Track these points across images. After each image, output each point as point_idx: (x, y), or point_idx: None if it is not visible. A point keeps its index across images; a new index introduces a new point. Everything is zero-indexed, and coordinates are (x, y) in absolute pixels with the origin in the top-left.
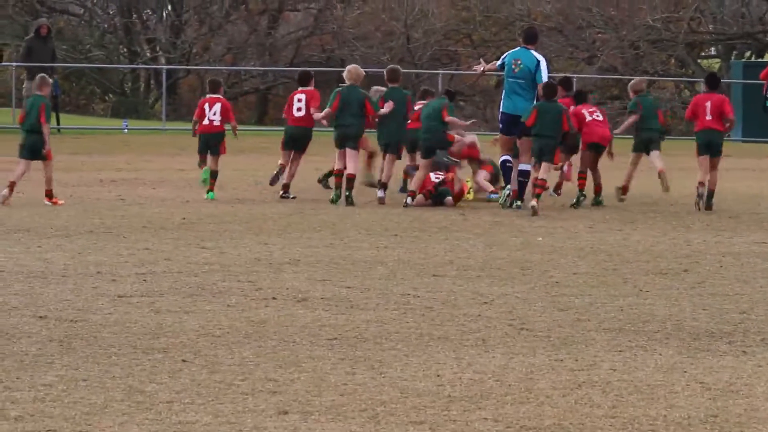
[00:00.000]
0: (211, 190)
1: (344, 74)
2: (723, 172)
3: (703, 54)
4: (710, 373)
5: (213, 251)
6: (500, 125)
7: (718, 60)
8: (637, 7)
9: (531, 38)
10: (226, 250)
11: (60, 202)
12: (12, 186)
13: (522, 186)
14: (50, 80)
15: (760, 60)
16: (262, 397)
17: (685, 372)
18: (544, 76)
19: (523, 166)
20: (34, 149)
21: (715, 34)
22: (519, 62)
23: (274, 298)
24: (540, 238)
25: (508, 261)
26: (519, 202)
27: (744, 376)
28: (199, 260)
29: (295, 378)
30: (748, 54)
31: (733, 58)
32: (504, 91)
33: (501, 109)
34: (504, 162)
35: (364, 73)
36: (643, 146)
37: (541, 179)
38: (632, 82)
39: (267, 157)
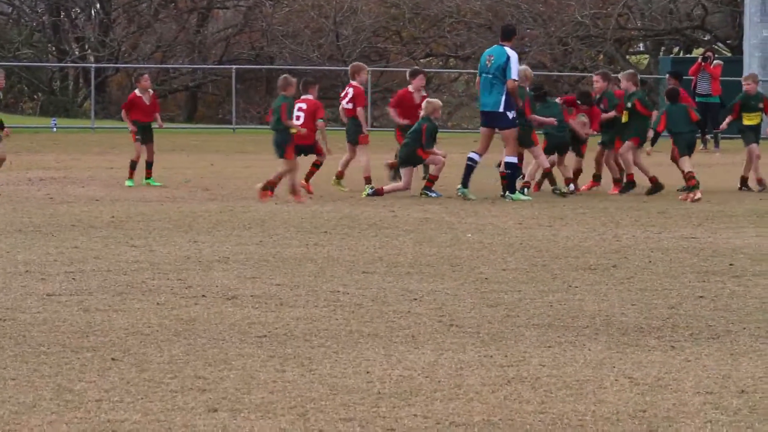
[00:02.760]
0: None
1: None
2: (654, 167)
3: (632, 50)
4: (639, 368)
5: (142, 249)
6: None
7: (646, 56)
8: (566, 3)
9: (505, 34)
10: (156, 248)
11: None
12: None
13: (511, 179)
14: None
15: (688, 56)
16: (191, 395)
17: (614, 367)
18: (514, 72)
19: (508, 159)
20: None
21: (643, 30)
22: (492, 58)
23: (203, 296)
24: (469, 235)
25: (438, 257)
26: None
27: (672, 370)
28: (129, 258)
29: (224, 376)
30: (676, 50)
31: (661, 54)
32: (480, 86)
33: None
34: (469, 158)
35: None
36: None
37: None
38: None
39: (197, 154)
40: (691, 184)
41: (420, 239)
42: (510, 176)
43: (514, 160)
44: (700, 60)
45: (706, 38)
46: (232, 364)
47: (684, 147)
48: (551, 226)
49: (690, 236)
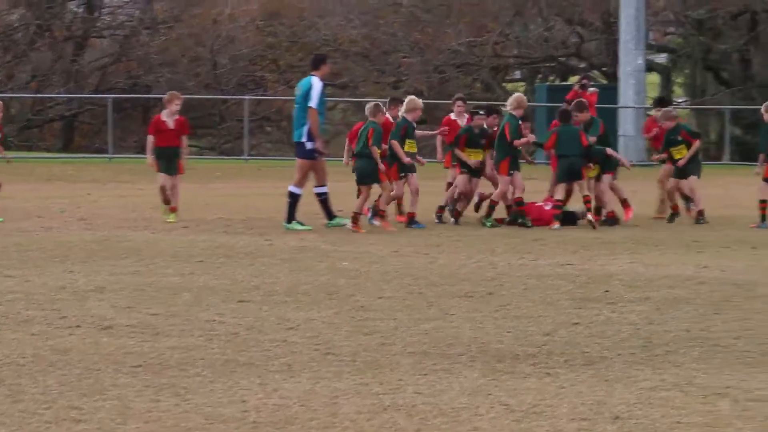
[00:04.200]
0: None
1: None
2: (531, 194)
3: (508, 77)
4: (514, 395)
5: (17, 279)
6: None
7: (522, 83)
8: (442, 31)
9: (314, 64)
10: (31, 279)
11: None
12: None
13: (291, 208)
14: None
15: (564, 83)
16: (65, 425)
17: (490, 394)
18: (314, 101)
19: (291, 188)
20: None
21: (519, 58)
22: (299, 88)
23: (78, 326)
24: (345, 263)
25: (314, 286)
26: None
27: (547, 397)
28: (3, 289)
29: (99, 406)
30: (552, 77)
31: (537, 81)
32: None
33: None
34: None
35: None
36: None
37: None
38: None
39: (73, 184)
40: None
41: (296, 268)
42: (291, 205)
43: (298, 191)
44: (576, 87)
45: (581, 66)
46: (107, 395)
47: (564, 172)
48: (427, 254)
49: (565, 263)
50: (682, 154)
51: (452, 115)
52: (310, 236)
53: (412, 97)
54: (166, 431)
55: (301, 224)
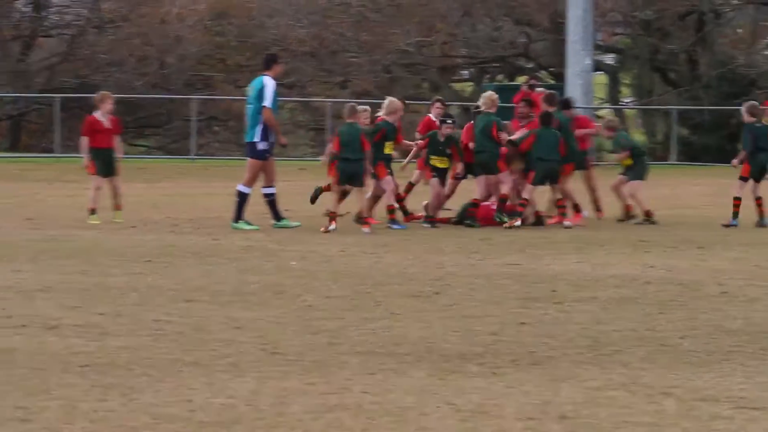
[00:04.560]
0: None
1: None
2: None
3: (456, 77)
4: (461, 394)
5: None
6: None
7: (470, 83)
8: (390, 31)
9: (265, 63)
10: None
11: None
12: None
13: (239, 207)
14: None
15: (512, 83)
16: (11, 425)
17: (436, 394)
18: (268, 100)
19: (240, 187)
20: None
21: (467, 58)
22: (251, 88)
23: (24, 326)
24: (293, 262)
25: (261, 285)
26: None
27: (494, 397)
28: None
29: (45, 406)
30: (500, 77)
31: (485, 81)
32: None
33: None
34: (266, 194)
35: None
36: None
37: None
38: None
39: (20, 183)
40: (519, 210)
41: (243, 267)
42: (239, 204)
43: (247, 190)
44: (524, 88)
45: (529, 66)
46: (54, 394)
47: (540, 175)
48: (375, 254)
49: (513, 263)
50: (626, 164)
51: (431, 116)
52: (258, 236)
53: (392, 98)
54: (113, 431)
55: (249, 224)
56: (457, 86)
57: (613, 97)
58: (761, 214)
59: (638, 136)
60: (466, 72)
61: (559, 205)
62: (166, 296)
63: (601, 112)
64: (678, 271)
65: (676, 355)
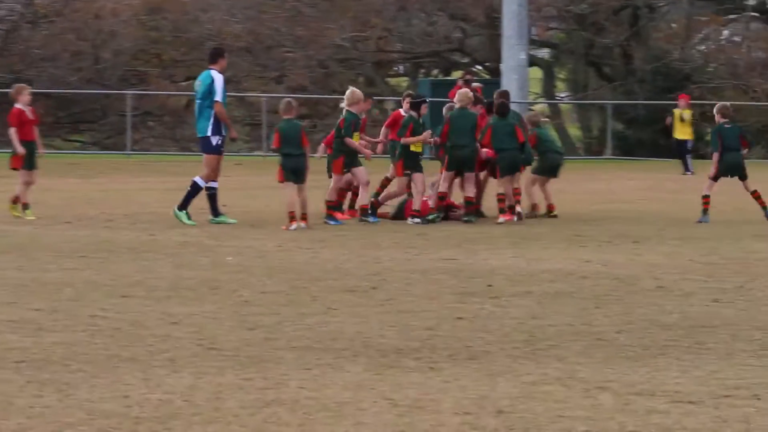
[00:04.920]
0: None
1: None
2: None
3: (391, 72)
4: (398, 389)
5: None
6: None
7: (406, 78)
8: (325, 26)
9: (211, 57)
10: None
11: None
12: None
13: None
14: None
15: (447, 78)
16: None
17: (373, 389)
18: (218, 94)
19: (205, 183)
20: None
21: (402, 53)
22: (199, 83)
23: None
24: (229, 258)
25: (197, 281)
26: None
27: (431, 392)
28: None
29: None
30: (435, 72)
31: (420, 76)
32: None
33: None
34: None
35: None
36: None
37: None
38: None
39: None
40: (500, 206)
41: (179, 263)
42: (189, 194)
43: (202, 183)
44: (459, 83)
45: (465, 61)
46: None
47: (506, 167)
48: (311, 249)
49: (449, 258)
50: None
51: (401, 111)
52: (194, 231)
53: (353, 89)
54: (48, 427)
55: (188, 218)
56: (393, 81)
57: (549, 92)
58: (763, 205)
59: (573, 131)
60: (401, 67)
61: (499, 199)
62: (102, 292)
63: (536, 107)
64: (613, 265)
65: (612, 350)
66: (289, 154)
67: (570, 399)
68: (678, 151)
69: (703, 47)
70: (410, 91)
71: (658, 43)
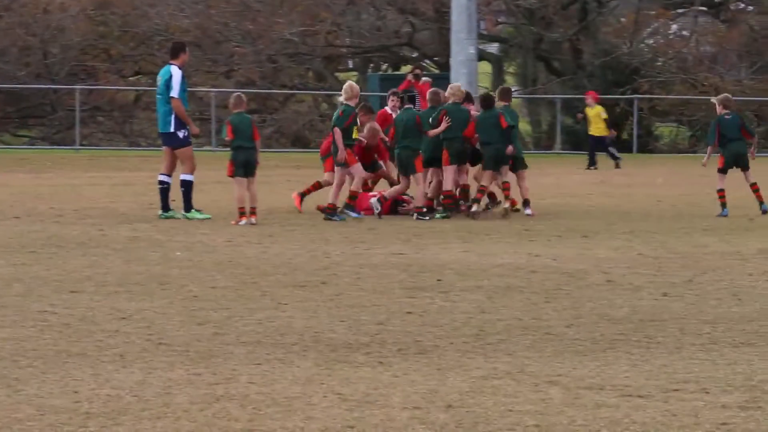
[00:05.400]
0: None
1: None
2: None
3: (341, 67)
4: (348, 384)
5: None
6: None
7: (355, 73)
8: (274, 21)
9: (171, 52)
10: None
11: None
12: None
13: (186, 196)
14: None
15: (396, 73)
16: None
17: (323, 383)
18: (175, 89)
19: (183, 176)
20: None
21: (351, 48)
22: (159, 78)
23: None
24: (178, 253)
25: (147, 276)
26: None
27: (381, 386)
28: None
29: None
30: (384, 67)
31: (370, 71)
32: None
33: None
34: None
35: None
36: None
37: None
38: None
39: None
40: (478, 197)
41: (129, 258)
42: (185, 194)
43: (190, 177)
44: (409, 77)
45: (414, 55)
46: None
47: (490, 160)
48: (261, 244)
49: (398, 252)
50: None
51: (387, 109)
52: (143, 226)
53: (351, 83)
54: None
55: (200, 212)
56: (342, 76)
57: (498, 87)
58: (760, 199)
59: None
60: (350, 62)
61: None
62: (51, 287)
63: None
64: (563, 259)
65: (562, 344)
66: (240, 146)
67: (519, 393)
68: (592, 147)
69: (652, 41)
70: (394, 89)
71: (607, 38)
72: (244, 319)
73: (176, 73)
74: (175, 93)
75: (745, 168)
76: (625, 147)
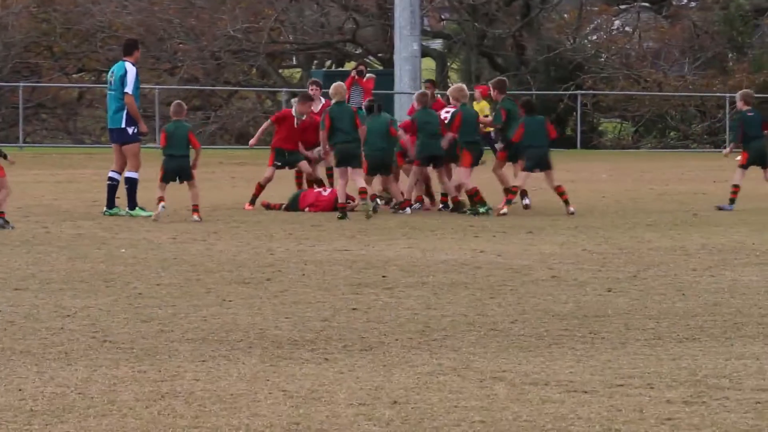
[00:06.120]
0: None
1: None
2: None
3: (285, 64)
4: (293, 380)
5: None
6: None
7: (299, 69)
8: (218, 17)
9: (126, 49)
10: None
11: None
12: None
13: (131, 193)
14: None
15: (340, 69)
16: None
17: (268, 380)
18: (129, 86)
19: (129, 174)
20: None
21: (295, 44)
22: (112, 74)
23: None
24: (123, 250)
25: (91, 273)
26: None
27: (326, 383)
28: None
29: None
30: (328, 63)
31: (314, 67)
32: (107, 103)
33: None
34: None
35: None
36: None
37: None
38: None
39: None
40: (510, 198)
41: (73, 255)
42: (130, 191)
43: (135, 175)
44: (353, 74)
45: (357, 51)
46: None
47: (534, 162)
48: (205, 241)
49: (343, 249)
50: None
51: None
52: (87, 223)
53: (339, 83)
54: None
55: (143, 210)
56: (286, 73)
57: (442, 83)
58: None
59: None
60: (294, 58)
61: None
62: None
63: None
64: (508, 255)
65: (507, 340)
66: (171, 155)
67: (465, 389)
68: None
69: (595, 37)
70: (316, 79)
71: (549, 34)
72: (189, 316)
73: (131, 69)
74: (129, 89)
75: (765, 166)
76: (569, 143)
